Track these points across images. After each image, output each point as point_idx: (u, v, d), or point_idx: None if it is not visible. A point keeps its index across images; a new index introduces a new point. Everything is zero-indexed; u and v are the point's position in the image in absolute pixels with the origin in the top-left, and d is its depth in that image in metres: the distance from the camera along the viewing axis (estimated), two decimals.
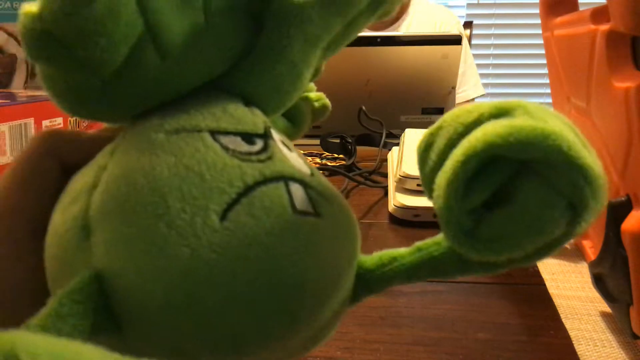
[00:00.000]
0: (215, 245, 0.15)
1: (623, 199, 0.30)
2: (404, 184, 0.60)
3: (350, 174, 0.69)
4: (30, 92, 0.63)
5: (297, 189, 0.17)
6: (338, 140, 0.86)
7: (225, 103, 0.19)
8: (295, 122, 0.26)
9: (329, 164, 0.83)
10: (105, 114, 0.19)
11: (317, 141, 0.88)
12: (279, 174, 0.17)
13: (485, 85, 2.36)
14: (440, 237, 0.19)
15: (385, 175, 0.74)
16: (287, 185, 0.17)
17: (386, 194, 0.67)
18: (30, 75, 0.72)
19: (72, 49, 0.15)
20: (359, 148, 0.84)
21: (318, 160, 0.87)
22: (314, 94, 0.27)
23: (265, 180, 0.17)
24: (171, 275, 0.15)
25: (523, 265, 0.17)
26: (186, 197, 0.15)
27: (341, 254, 0.18)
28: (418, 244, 0.20)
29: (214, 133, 0.17)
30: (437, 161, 0.17)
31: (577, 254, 0.48)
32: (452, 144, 0.16)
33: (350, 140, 0.83)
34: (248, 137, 0.18)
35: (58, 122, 0.55)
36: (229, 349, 0.15)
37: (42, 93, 0.62)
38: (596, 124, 0.34)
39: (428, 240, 0.20)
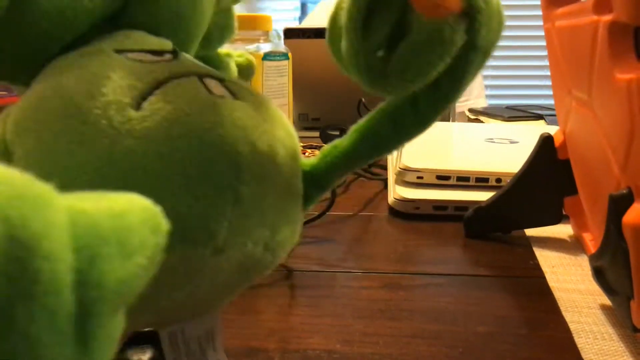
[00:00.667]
0: (134, 132, 0.15)
1: (624, 191, 0.30)
2: (403, 176, 0.60)
3: None
4: None
5: (212, 82, 0.17)
6: (337, 133, 0.85)
7: (129, 32, 0.19)
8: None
9: None
10: (4, 63, 0.18)
11: (317, 133, 0.88)
12: (190, 71, 0.17)
13: (485, 77, 2.35)
14: (372, 112, 0.20)
15: (385, 168, 0.74)
16: (201, 79, 0.17)
17: (386, 186, 0.66)
18: None
19: None
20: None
21: (317, 152, 0.87)
22: (235, 51, 0.28)
23: (177, 76, 0.17)
24: (95, 168, 0.15)
25: (454, 98, 0.18)
26: (95, 95, 0.15)
27: (270, 132, 0.18)
28: (353, 127, 0.20)
29: (120, 51, 0.17)
30: (339, 31, 0.18)
31: (577, 247, 0.48)
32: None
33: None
34: (156, 52, 0.18)
35: None
36: (179, 239, 0.15)
37: None
38: (598, 115, 0.34)
39: (361, 120, 0.20)
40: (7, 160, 0.16)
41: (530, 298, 0.40)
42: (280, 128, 0.19)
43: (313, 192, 0.20)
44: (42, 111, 0.15)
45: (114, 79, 0.16)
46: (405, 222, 0.56)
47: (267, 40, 0.70)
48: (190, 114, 0.16)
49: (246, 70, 0.29)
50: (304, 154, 0.86)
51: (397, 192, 0.58)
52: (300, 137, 0.97)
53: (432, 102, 0.19)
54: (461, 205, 0.56)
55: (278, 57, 0.70)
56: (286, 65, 0.71)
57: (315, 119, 1.03)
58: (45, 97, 0.16)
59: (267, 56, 0.68)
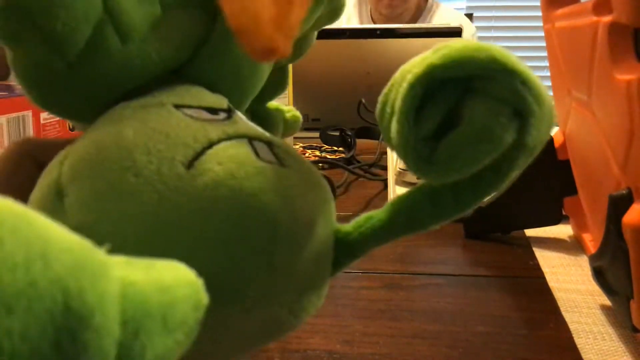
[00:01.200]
0: (182, 190, 0.15)
1: (624, 192, 0.30)
2: (403, 176, 0.60)
3: (350, 167, 0.69)
4: None
5: (260, 146, 0.18)
6: (337, 133, 0.85)
7: (189, 87, 0.20)
8: (269, 129, 0.28)
9: (328, 157, 0.83)
10: (70, 104, 0.19)
11: (317, 134, 0.88)
12: (242, 133, 0.18)
13: None
14: (412, 189, 0.20)
15: (385, 168, 0.74)
16: (251, 142, 0.18)
17: (386, 186, 0.67)
18: None
19: (35, 21, 0.16)
20: (359, 141, 0.84)
21: (317, 153, 0.87)
22: (284, 106, 0.28)
23: (229, 137, 0.17)
24: (142, 220, 0.15)
25: (494, 185, 0.18)
26: (152, 151, 0.16)
27: (311, 201, 0.18)
28: (390, 201, 0.20)
29: (178, 106, 0.18)
30: (392, 111, 0.18)
31: (577, 247, 0.48)
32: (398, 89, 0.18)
33: (349, 133, 0.83)
34: (212, 110, 0.18)
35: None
36: (210, 296, 0.15)
37: None
38: (597, 116, 0.34)
39: (400, 195, 0.20)
40: (60, 201, 0.16)
41: (530, 298, 0.40)
42: (321, 197, 0.19)
43: (343, 259, 0.20)
44: (99, 159, 0.16)
45: (170, 136, 0.17)
46: None
47: None
48: (237, 177, 0.16)
49: (293, 125, 0.30)
50: (304, 154, 0.86)
51: (397, 192, 0.59)
52: (301, 138, 0.97)
53: (473, 192, 0.19)
54: None
55: None
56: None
57: (315, 120, 1.03)
58: (103, 146, 0.16)
59: None
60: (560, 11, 0.41)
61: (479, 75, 0.16)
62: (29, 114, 0.51)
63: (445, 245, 0.49)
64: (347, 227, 0.20)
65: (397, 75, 0.18)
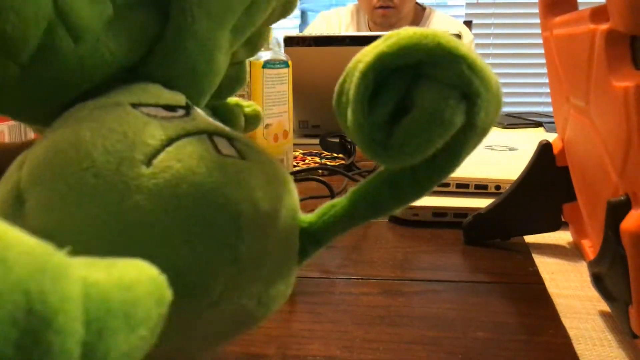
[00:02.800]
0: (143, 188, 0.15)
1: (622, 198, 0.30)
2: None
3: (350, 174, 0.69)
4: None
5: (221, 141, 0.18)
6: (337, 140, 0.86)
7: (146, 85, 0.20)
8: (229, 124, 0.28)
9: (328, 163, 0.83)
10: (25, 107, 0.19)
11: (317, 141, 0.88)
12: (201, 129, 0.18)
13: None
14: (371, 176, 0.21)
15: None
16: (210, 138, 0.18)
17: None
18: None
19: None
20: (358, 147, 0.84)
21: (317, 159, 0.87)
22: (244, 101, 0.28)
23: (188, 134, 0.17)
24: (104, 221, 0.15)
25: (450, 170, 0.19)
26: (110, 150, 0.16)
27: (272, 192, 0.18)
28: (352, 188, 0.21)
29: (135, 105, 0.18)
30: (347, 100, 0.18)
31: (576, 254, 0.48)
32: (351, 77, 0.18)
33: (349, 140, 0.83)
34: (170, 108, 0.19)
35: None
36: (177, 292, 0.15)
37: None
38: (595, 123, 0.34)
39: (360, 182, 0.21)
40: (20, 207, 0.16)
41: (529, 304, 0.40)
42: (283, 187, 0.19)
43: (309, 247, 0.21)
44: (57, 162, 0.16)
45: (128, 135, 0.16)
46: (404, 229, 0.56)
47: (267, 48, 0.70)
48: (197, 173, 0.16)
49: (253, 119, 0.30)
50: (304, 160, 0.87)
51: None
52: (301, 145, 0.97)
53: (429, 174, 0.20)
54: (460, 212, 0.56)
55: (278, 65, 0.70)
56: (286, 73, 0.72)
57: (315, 126, 1.04)
58: (61, 148, 0.16)
59: (267, 64, 0.68)
60: (558, 19, 0.41)
61: (427, 62, 0.17)
62: None
63: (444, 252, 0.49)
64: (311, 216, 0.21)
65: (350, 64, 0.19)
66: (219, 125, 0.19)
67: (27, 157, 0.17)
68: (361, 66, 0.17)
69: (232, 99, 0.29)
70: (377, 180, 0.21)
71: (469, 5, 2.37)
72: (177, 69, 0.21)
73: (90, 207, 0.15)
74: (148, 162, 0.16)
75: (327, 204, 0.21)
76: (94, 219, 0.15)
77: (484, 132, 0.19)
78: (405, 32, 0.17)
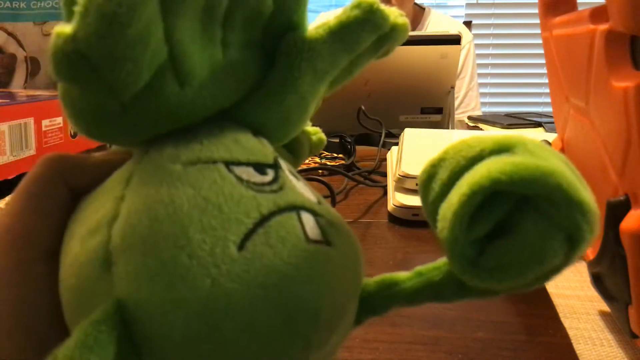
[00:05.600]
0: (234, 275, 0.16)
1: (622, 198, 0.30)
2: (403, 183, 0.61)
3: (350, 174, 0.69)
4: (30, 92, 0.63)
5: (308, 218, 0.18)
6: (337, 140, 0.86)
7: (236, 134, 0.19)
8: (295, 153, 0.27)
9: (328, 163, 0.83)
10: (118, 138, 0.19)
11: None
12: (291, 204, 0.18)
13: (484, 85, 2.36)
14: (440, 262, 0.21)
15: (385, 175, 0.74)
16: (298, 215, 0.18)
17: (385, 193, 0.67)
18: (30, 74, 0.72)
19: (100, 71, 0.16)
20: (359, 147, 0.84)
21: (317, 159, 0.87)
22: (311, 128, 0.29)
23: (279, 210, 0.17)
24: (192, 305, 0.15)
25: (520, 291, 0.18)
26: (206, 228, 0.16)
27: (349, 282, 0.19)
28: (418, 268, 0.21)
29: (228, 164, 0.18)
30: (439, 192, 0.18)
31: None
32: (455, 177, 0.17)
33: (349, 140, 0.84)
34: (260, 168, 0.19)
35: (58, 121, 0.55)
36: None
37: (42, 93, 0.61)
38: (595, 123, 0.34)
39: (429, 265, 0.21)
40: (107, 270, 0.16)
41: (529, 304, 0.40)
42: (356, 271, 0.20)
43: (363, 316, 0.21)
44: (152, 233, 0.16)
45: (223, 210, 0.17)
46: (404, 229, 0.56)
47: None
48: (287, 263, 0.16)
49: (317, 146, 0.30)
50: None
51: (396, 198, 0.59)
52: None
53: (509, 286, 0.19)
54: None
55: None
56: None
57: (315, 127, 1.04)
58: (157, 217, 0.16)
59: None
60: (557, 19, 0.41)
61: (541, 196, 0.16)
62: (30, 120, 0.51)
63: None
64: (371, 287, 0.21)
65: (450, 152, 0.18)
66: (305, 194, 0.19)
67: (119, 213, 0.17)
68: (471, 181, 0.16)
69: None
70: (445, 271, 0.20)
71: (468, 5, 2.37)
72: (270, 118, 0.20)
73: (181, 289, 0.15)
74: (241, 245, 0.16)
75: (389, 277, 0.21)
76: (181, 302, 0.15)
77: (570, 265, 0.18)
78: (526, 161, 0.16)
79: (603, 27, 0.30)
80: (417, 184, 0.20)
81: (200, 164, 0.18)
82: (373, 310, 0.21)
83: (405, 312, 0.38)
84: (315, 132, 0.29)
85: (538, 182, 0.16)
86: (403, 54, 0.99)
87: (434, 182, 0.18)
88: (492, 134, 0.18)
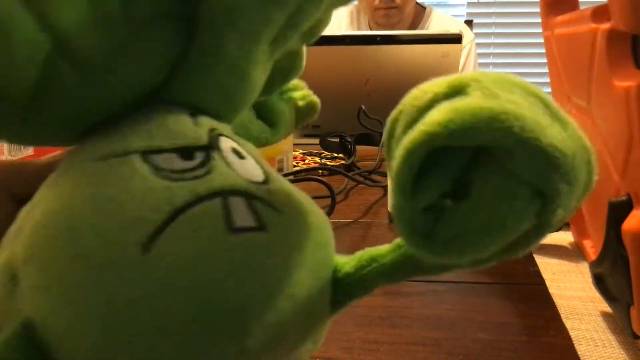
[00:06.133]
0: (136, 281, 0.14)
1: (624, 198, 0.30)
2: None
3: (350, 174, 0.69)
4: None
5: (237, 203, 0.16)
6: (337, 140, 0.85)
7: (165, 116, 0.18)
8: (273, 124, 0.25)
9: (328, 163, 0.83)
10: (36, 138, 0.18)
11: (317, 140, 0.88)
12: (215, 189, 0.16)
13: None
14: None
15: (385, 175, 0.74)
16: (225, 201, 0.16)
17: (386, 193, 0.67)
18: None
19: None
20: (359, 147, 0.84)
21: (317, 159, 0.87)
22: (298, 93, 0.25)
23: (199, 199, 0.15)
24: (94, 320, 0.14)
25: (500, 260, 0.16)
26: (104, 233, 0.14)
27: (296, 262, 0.16)
28: (397, 240, 0.18)
29: (146, 153, 0.16)
30: (395, 149, 0.15)
31: (578, 254, 0.48)
32: (407, 130, 0.15)
33: (349, 140, 0.83)
34: (187, 152, 0.17)
35: None
36: None
37: None
38: (597, 123, 0.34)
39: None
40: (14, 286, 0.15)
41: (530, 305, 0.40)
42: (310, 248, 0.17)
43: (342, 299, 0.19)
44: (50, 243, 0.15)
45: (127, 209, 0.15)
46: None
47: None
48: (200, 263, 0.14)
49: (309, 111, 0.26)
50: (304, 160, 0.86)
51: None
52: (301, 145, 0.97)
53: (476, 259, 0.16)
54: None
55: None
56: None
57: (315, 126, 1.04)
58: (55, 224, 0.15)
59: None
60: (559, 18, 0.41)
61: (492, 145, 0.13)
62: None
63: None
64: (348, 267, 0.18)
65: (406, 102, 0.16)
66: (244, 174, 0.17)
67: (25, 222, 0.16)
68: (407, 139, 0.14)
69: (286, 87, 0.25)
70: None
71: (470, 4, 2.36)
72: (204, 92, 0.18)
73: (80, 300, 0.14)
74: (146, 246, 0.14)
75: (367, 254, 0.19)
76: (83, 314, 0.14)
77: (555, 228, 0.15)
78: (465, 105, 0.13)
79: (605, 26, 0.30)
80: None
81: (112, 158, 0.16)
82: (351, 292, 0.18)
83: (405, 313, 0.38)
84: (304, 97, 0.25)
85: (480, 128, 0.13)
86: (404, 53, 0.99)
87: (392, 140, 0.16)
88: (449, 76, 0.15)
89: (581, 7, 0.38)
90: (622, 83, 0.29)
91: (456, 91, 0.14)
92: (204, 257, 0.14)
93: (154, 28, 0.17)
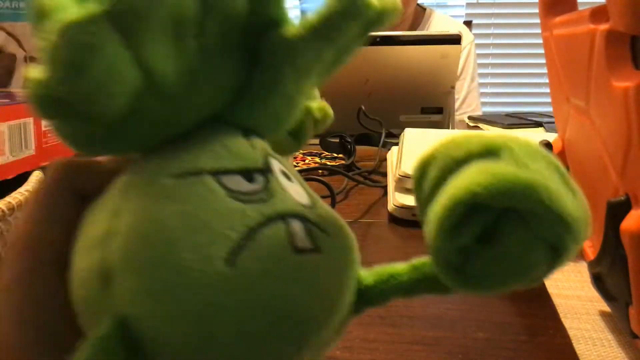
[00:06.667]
0: (224, 291, 0.16)
1: (622, 198, 0.30)
2: (403, 183, 0.61)
3: (350, 174, 0.69)
4: None
5: (296, 226, 0.18)
6: (337, 140, 0.86)
7: (226, 137, 0.20)
8: (296, 135, 0.27)
9: (328, 163, 0.83)
10: (107, 151, 0.20)
11: (317, 141, 0.88)
12: (278, 212, 0.18)
13: (484, 85, 2.36)
14: None
15: (385, 175, 0.74)
16: (287, 224, 0.18)
17: (385, 193, 0.67)
18: None
19: (76, 108, 0.17)
20: (359, 147, 0.84)
21: (317, 159, 0.87)
22: (316, 104, 0.27)
23: (267, 221, 0.18)
24: (186, 321, 0.16)
25: (510, 290, 0.18)
26: (195, 246, 0.17)
27: (341, 284, 0.19)
28: (414, 262, 0.21)
29: (217, 174, 0.18)
30: (429, 193, 0.19)
31: (577, 254, 0.48)
32: (443, 176, 0.18)
33: (349, 140, 0.83)
34: (248, 175, 0.19)
35: None
36: None
37: None
38: (595, 123, 0.34)
39: (425, 259, 0.21)
40: (106, 286, 0.17)
41: (529, 304, 0.40)
42: (347, 271, 0.20)
43: (362, 306, 0.21)
44: (145, 253, 0.17)
45: (211, 226, 0.17)
46: (405, 229, 0.56)
47: None
48: (276, 278, 0.17)
49: (323, 120, 0.28)
50: (304, 160, 0.87)
51: (396, 199, 0.59)
52: None
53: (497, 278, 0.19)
54: None
55: None
56: None
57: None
58: (149, 236, 0.17)
59: None
60: (558, 19, 0.41)
61: (522, 209, 0.16)
62: (30, 120, 0.51)
63: None
64: (368, 280, 0.21)
65: (440, 150, 0.19)
66: (295, 197, 0.20)
67: (112, 230, 0.18)
68: (451, 192, 0.17)
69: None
70: None
71: (469, 5, 2.36)
72: (259, 117, 0.21)
73: (175, 306, 0.16)
74: (230, 261, 0.17)
75: (386, 271, 0.21)
76: (177, 318, 0.16)
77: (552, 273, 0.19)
78: (505, 172, 0.16)
79: (603, 27, 0.30)
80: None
81: (188, 176, 0.18)
82: (371, 302, 0.21)
83: (405, 312, 0.38)
84: (321, 108, 0.27)
85: (517, 196, 0.16)
86: (403, 53, 0.99)
87: (424, 181, 0.19)
88: (481, 133, 0.18)
89: (580, 8, 0.38)
90: (621, 83, 0.29)
91: (489, 152, 0.17)
92: (277, 274, 0.17)
93: (223, 58, 0.20)
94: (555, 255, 0.17)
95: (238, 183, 0.19)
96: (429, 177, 0.19)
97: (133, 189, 0.19)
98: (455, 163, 0.18)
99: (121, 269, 0.17)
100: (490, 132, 0.18)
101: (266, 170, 0.20)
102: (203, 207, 0.17)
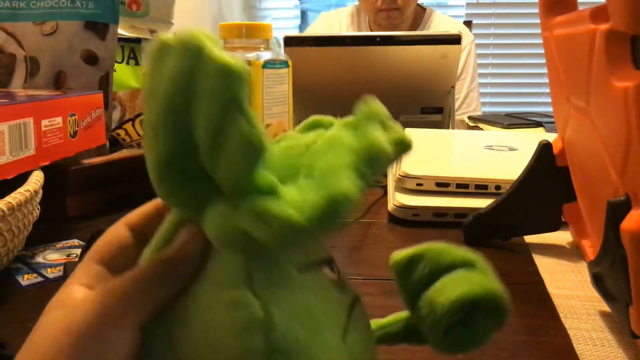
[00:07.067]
0: (342, 358, 0.21)
1: (622, 198, 0.30)
2: (403, 183, 0.61)
3: None
4: (29, 92, 0.63)
5: (358, 307, 0.23)
6: None
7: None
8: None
9: None
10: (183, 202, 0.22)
11: None
12: (352, 296, 0.23)
13: (484, 85, 2.36)
14: (393, 317, 0.27)
15: (385, 175, 0.74)
16: (357, 303, 0.23)
17: (385, 193, 0.67)
18: (30, 74, 0.72)
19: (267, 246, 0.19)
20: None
21: None
22: (393, 135, 0.25)
23: (352, 302, 0.23)
24: None
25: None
26: (329, 327, 0.21)
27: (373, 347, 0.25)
28: (395, 315, 0.27)
29: (320, 264, 0.22)
30: (418, 282, 0.24)
31: (576, 254, 0.48)
32: (432, 276, 0.24)
33: None
34: (329, 264, 0.23)
35: (57, 121, 0.55)
36: None
37: (41, 92, 0.61)
38: (595, 123, 0.34)
39: (387, 320, 0.27)
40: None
41: (529, 304, 0.40)
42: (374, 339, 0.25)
43: None
44: (303, 338, 0.20)
45: (332, 311, 0.21)
46: (405, 229, 0.56)
47: (267, 48, 0.70)
48: (367, 347, 0.23)
49: (404, 148, 0.26)
50: None
51: (396, 199, 0.59)
52: None
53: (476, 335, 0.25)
54: (461, 212, 0.56)
55: (278, 65, 0.70)
56: (286, 73, 0.72)
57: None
58: (302, 324, 0.20)
59: (267, 64, 0.68)
60: (558, 19, 0.41)
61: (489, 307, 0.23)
62: (30, 121, 0.51)
63: None
64: (377, 327, 0.27)
65: (430, 253, 0.24)
66: (351, 284, 0.24)
67: (269, 313, 0.20)
68: (453, 299, 0.23)
69: None
70: (403, 325, 0.27)
71: (469, 5, 2.37)
72: None
73: None
74: (343, 336, 0.21)
75: (392, 318, 0.27)
76: None
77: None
78: (487, 286, 0.23)
79: (603, 26, 0.30)
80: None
81: (309, 267, 0.22)
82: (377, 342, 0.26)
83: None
84: (398, 140, 0.25)
85: (496, 300, 0.23)
86: (403, 53, 0.99)
87: (414, 271, 0.24)
88: (458, 248, 0.24)
89: (580, 8, 0.38)
90: (621, 83, 0.29)
91: (467, 263, 0.24)
92: (368, 341, 0.23)
93: None
94: (499, 328, 0.24)
95: (328, 273, 0.22)
96: (420, 269, 0.24)
97: (266, 278, 0.20)
98: (443, 267, 0.24)
99: (284, 352, 0.20)
100: (462, 249, 0.24)
101: (333, 259, 0.23)
102: (325, 297, 0.21)
